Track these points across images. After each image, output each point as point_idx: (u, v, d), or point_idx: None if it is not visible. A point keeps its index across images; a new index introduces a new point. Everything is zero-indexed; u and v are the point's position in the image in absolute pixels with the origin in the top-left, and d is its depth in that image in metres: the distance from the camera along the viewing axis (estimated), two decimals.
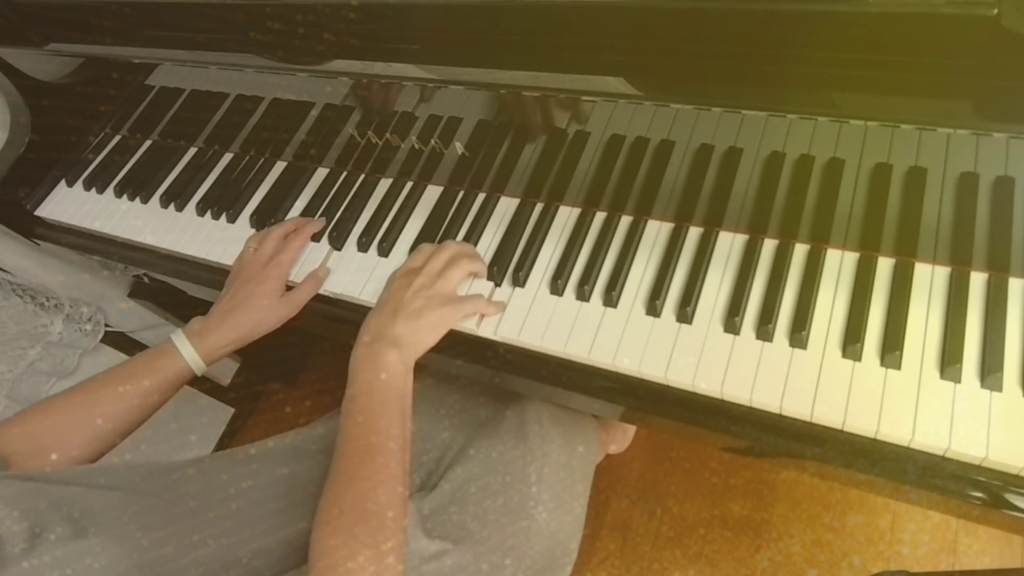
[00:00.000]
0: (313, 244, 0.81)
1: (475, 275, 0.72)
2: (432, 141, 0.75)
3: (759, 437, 0.60)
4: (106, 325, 1.16)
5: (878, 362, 0.58)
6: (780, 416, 0.59)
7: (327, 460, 0.73)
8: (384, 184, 0.83)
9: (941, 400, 0.55)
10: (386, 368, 0.63)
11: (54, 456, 0.63)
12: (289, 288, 0.76)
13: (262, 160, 0.90)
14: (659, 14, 0.54)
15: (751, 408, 0.60)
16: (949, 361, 0.56)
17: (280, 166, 0.89)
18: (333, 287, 0.77)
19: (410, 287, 0.68)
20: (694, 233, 0.69)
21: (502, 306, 0.70)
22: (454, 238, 0.76)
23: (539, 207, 0.75)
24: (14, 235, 0.97)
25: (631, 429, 1.31)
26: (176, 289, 0.93)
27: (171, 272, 0.88)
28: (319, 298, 0.78)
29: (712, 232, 0.68)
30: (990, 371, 0.55)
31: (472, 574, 0.67)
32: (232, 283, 0.76)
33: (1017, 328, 0.57)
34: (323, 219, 0.82)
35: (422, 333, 0.66)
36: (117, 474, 0.63)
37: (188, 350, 0.70)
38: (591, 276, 0.68)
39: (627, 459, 1.33)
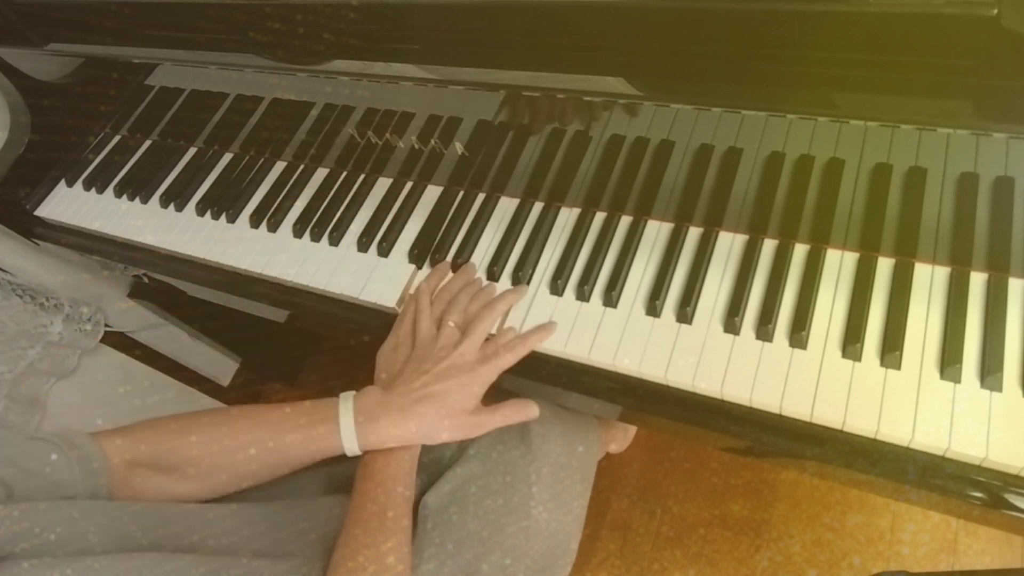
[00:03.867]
0: (313, 245, 0.81)
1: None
2: (432, 141, 0.75)
3: (759, 437, 0.60)
4: (106, 325, 1.16)
5: (878, 362, 0.58)
6: (780, 416, 0.59)
7: (327, 460, 0.73)
8: (384, 184, 0.83)
9: (941, 400, 0.55)
10: (402, 451, 0.63)
11: (191, 471, 0.60)
12: None
13: (262, 160, 0.90)
14: (659, 14, 0.54)
15: (751, 408, 0.60)
16: (949, 361, 0.56)
17: (280, 166, 0.89)
18: (333, 288, 0.77)
19: (448, 339, 0.63)
20: (694, 233, 0.69)
21: (552, 328, 0.65)
22: (454, 238, 0.76)
23: (539, 207, 0.75)
24: (14, 235, 0.97)
25: (631, 429, 1.31)
26: (176, 289, 0.93)
27: (171, 272, 0.88)
28: (320, 298, 0.78)
29: (712, 232, 0.68)
30: (990, 371, 0.55)
31: (472, 574, 0.67)
32: (421, 359, 0.64)
33: (1017, 328, 0.57)
34: (525, 287, 0.70)
35: (452, 408, 0.62)
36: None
37: (350, 436, 0.62)
38: (591, 276, 0.68)
39: (627, 459, 1.33)
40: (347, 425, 0.61)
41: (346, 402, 0.63)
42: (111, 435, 0.61)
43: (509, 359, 0.64)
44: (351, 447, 0.62)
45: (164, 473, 0.62)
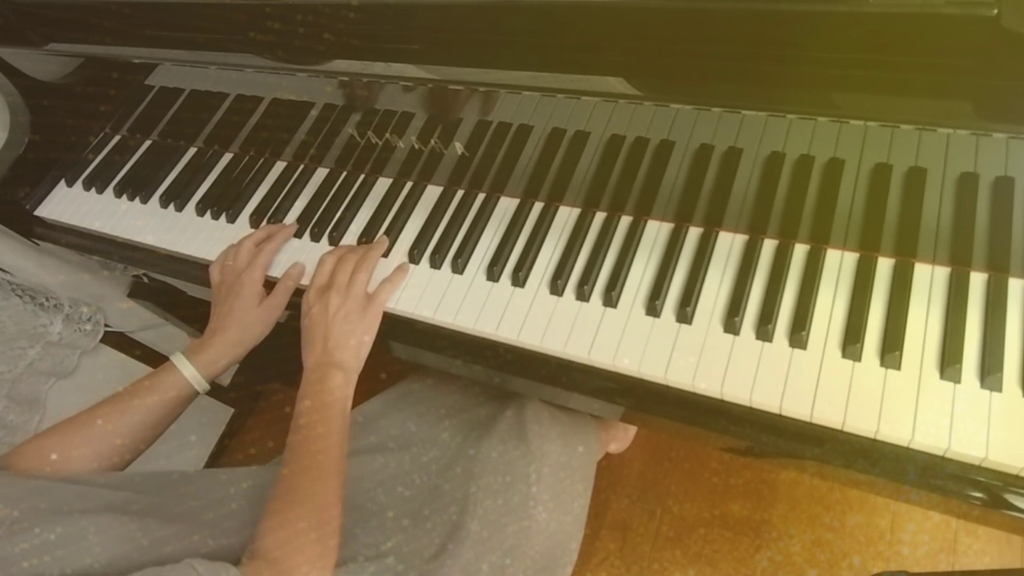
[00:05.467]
0: (313, 244, 0.81)
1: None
2: (432, 141, 0.75)
3: (759, 437, 0.60)
4: (106, 325, 1.16)
5: (878, 362, 0.58)
6: (780, 416, 0.59)
7: None
8: (384, 184, 0.83)
9: (941, 400, 0.55)
10: (332, 391, 0.66)
11: (54, 456, 0.63)
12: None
13: (262, 160, 0.90)
14: (659, 14, 0.54)
15: (751, 408, 0.60)
16: (949, 361, 0.56)
17: (280, 166, 0.89)
18: None
19: (328, 309, 0.70)
20: (694, 233, 0.69)
21: (406, 269, 0.75)
22: (454, 238, 0.76)
23: (539, 207, 0.75)
24: (14, 235, 0.97)
25: (631, 429, 1.31)
26: (176, 289, 0.93)
27: (171, 272, 0.88)
28: None
29: (712, 232, 0.68)
30: (990, 371, 0.55)
31: (472, 574, 0.67)
32: (215, 298, 0.78)
33: (1017, 328, 0.57)
34: (296, 224, 0.82)
35: (361, 347, 0.70)
36: (117, 478, 0.63)
37: (188, 368, 0.71)
38: (591, 276, 0.68)
39: (627, 459, 1.33)
40: (178, 358, 0.72)
41: (176, 352, 0.73)
42: None
43: (259, 270, 0.76)
44: (191, 374, 0.71)
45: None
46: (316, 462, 0.62)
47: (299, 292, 0.77)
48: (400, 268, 0.75)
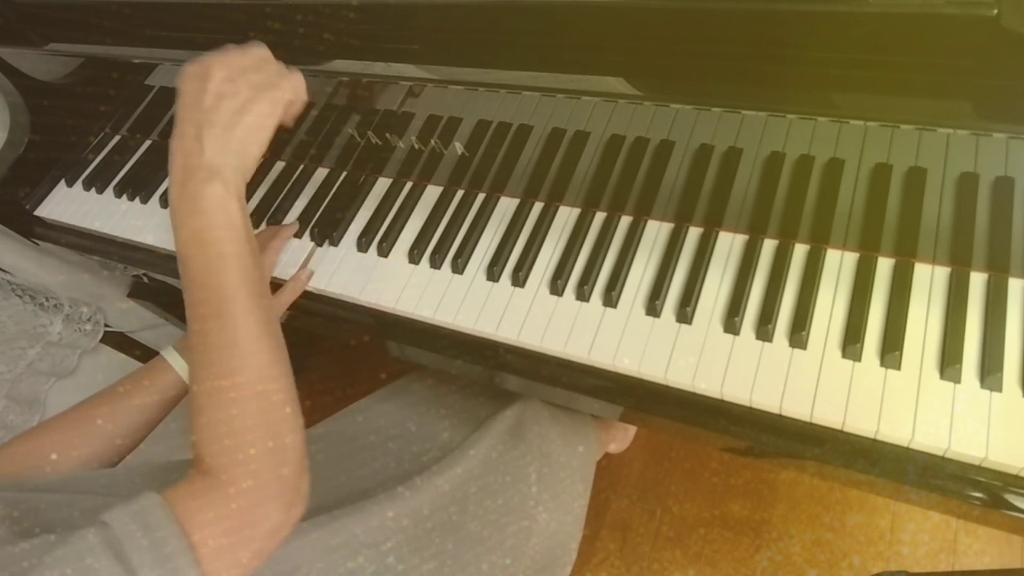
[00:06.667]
0: (313, 245, 0.81)
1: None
2: (432, 141, 0.75)
3: (759, 437, 0.60)
4: (106, 325, 1.16)
5: (878, 362, 0.58)
6: (780, 416, 0.59)
7: (327, 460, 0.73)
8: (384, 184, 0.83)
9: (941, 400, 0.55)
10: (210, 211, 0.50)
11: (54, 456, 0.63)
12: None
13: (262, 160, 0.90)
14: (659, 14, 0.54)
15: (751, 408, 0.60)
16: (949, 361, 0.56)
17: (280, 166, 0.89)
18: (333, 287, 0.77)
19: (208, 90, 0.52)
20: (694, 233, 0.69)
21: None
22: (454, 238, 0.76)
23: (539, 207, 0.75)
24: (14, 235, 0.97)
25: (631, 429, 1.31)
26: (176, 289, 0.92)
27: (171, 272, 0.88)
28: (319, 298, 0.78)
29: (712, 232, 0.68)
30: (990, 371, 0.55)
31: (472, 574, 0.67)
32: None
33: (1017, 328, 0.57)
34: (297, 223, 0.81)
35: (246, 147, 0.53)
36: (115, 476, 0.63)
37: (181, 365, 0.70)
38: (591, 276, 0.68)
39: (627, 459, 1.33)
40: (171, 355, 0.68)
41: (168, 348, 0.69)
42: None
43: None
44: (184, 371, 0.68)
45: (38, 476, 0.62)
46: (223, 326, 0.49)
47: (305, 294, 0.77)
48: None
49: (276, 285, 0.77)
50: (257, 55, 0.57)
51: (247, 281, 0.51)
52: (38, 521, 0.51)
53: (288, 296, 0.76)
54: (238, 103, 0.53)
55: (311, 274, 0.77)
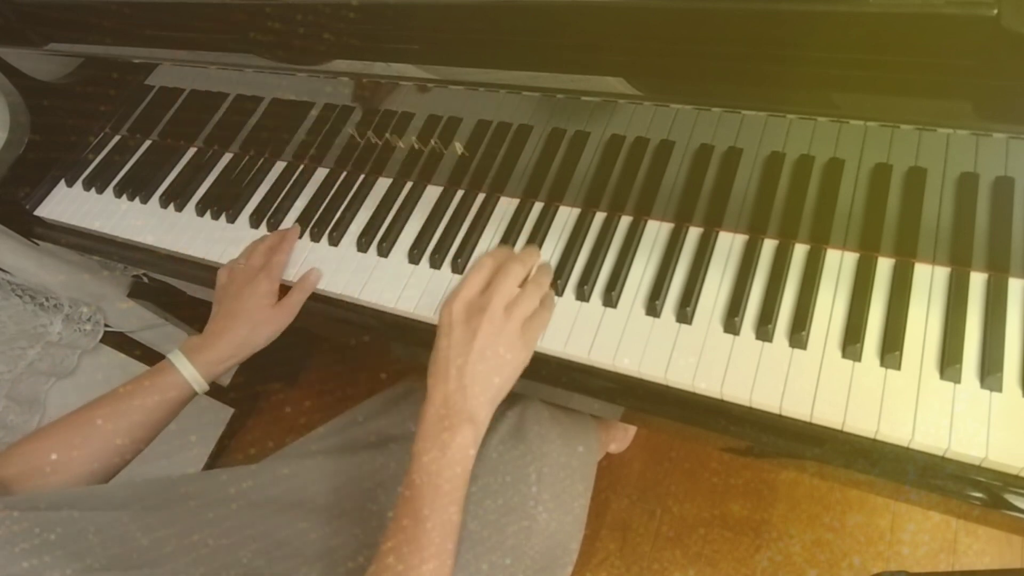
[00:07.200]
0: (313, 244, 0.81)
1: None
2: (432, 141, 0.75)
3: (759, 437, 0.60)
4: (106, 325, 1.16)
5: (878, 362, 0.58)
6: (780, 416, 0.59)
7: (328, 460, 0.73)
8: (384, 184, 0.83)
9: (941, 400, 0.55)
10: (457, 452, 0.56)
11: (54, 456, 0.63)
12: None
13: (262, 160, 0.90)
14: (659, 14, 0.54)
15: (751, 408, 0.60)
16: (949, 361, 0.56)
17: (280, 166, 0.89)
18: (333, 287, 0.77)
19: (477, 336, 0.58)
20: (694, 233, 0.69)
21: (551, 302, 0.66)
22: (454, 238, 0.76)
23: (539, 207, 0.75)
24: (14, 235, 0.97)
25: (631, 429, 1.31)
26: (176, 289, 0.93)
27: (171, 272, 0.88)
28: (319, 298, 0.78)
29: (712, 232, 0.68)
30: (990, 371, 0.55)
31: (472, 574, 0.67)
32: (223, 298, 0.76)
33: (1017, 328, 0.57)
34: (298, 226, 0.81)
35: (499, 393, 0.59)
36: (116, 495, 0.63)
37: (188, 369, 0.69)
38: (591, 276, 0.68)
39: (627, 459, 1.33)
40: (177, 357, 0.70)
41: (175, 350, 0.71)
42: None
43: (277, 271, 0.76)
44: (191, 374, 0.69)
45: (39, 478, 0.63)
46: (420, 548, 0.55)
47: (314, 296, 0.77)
48: (545, 301, 0.64)
49: (284, 289, 0.77)
50: (521, 272, 0.64)
51: (458, 527, 0.56)
52: (37, 520, 0.51)
53: (299, 296, 0.76)
54: (500, 361, 0.58)
55: (320, 275, 0.77)
